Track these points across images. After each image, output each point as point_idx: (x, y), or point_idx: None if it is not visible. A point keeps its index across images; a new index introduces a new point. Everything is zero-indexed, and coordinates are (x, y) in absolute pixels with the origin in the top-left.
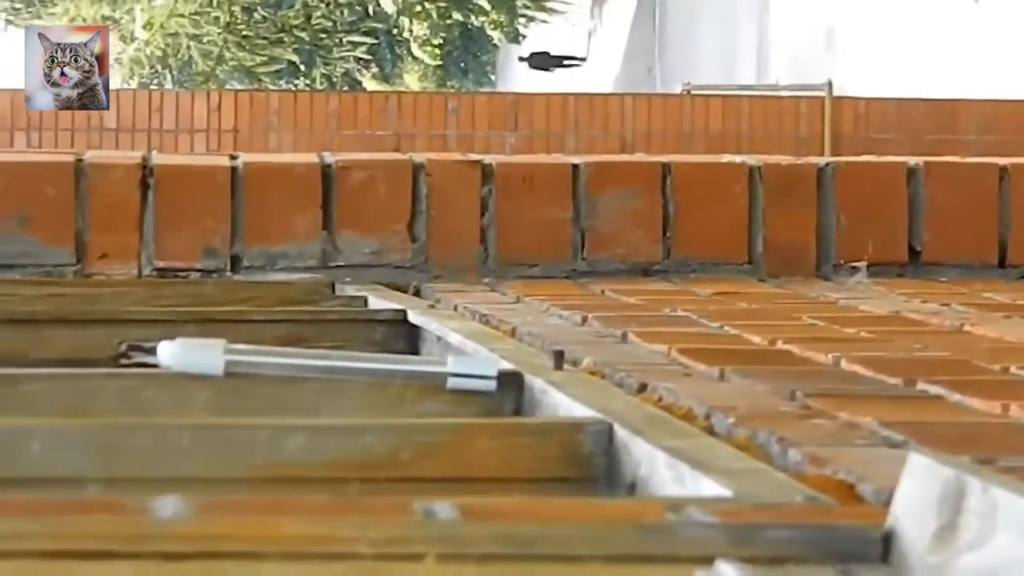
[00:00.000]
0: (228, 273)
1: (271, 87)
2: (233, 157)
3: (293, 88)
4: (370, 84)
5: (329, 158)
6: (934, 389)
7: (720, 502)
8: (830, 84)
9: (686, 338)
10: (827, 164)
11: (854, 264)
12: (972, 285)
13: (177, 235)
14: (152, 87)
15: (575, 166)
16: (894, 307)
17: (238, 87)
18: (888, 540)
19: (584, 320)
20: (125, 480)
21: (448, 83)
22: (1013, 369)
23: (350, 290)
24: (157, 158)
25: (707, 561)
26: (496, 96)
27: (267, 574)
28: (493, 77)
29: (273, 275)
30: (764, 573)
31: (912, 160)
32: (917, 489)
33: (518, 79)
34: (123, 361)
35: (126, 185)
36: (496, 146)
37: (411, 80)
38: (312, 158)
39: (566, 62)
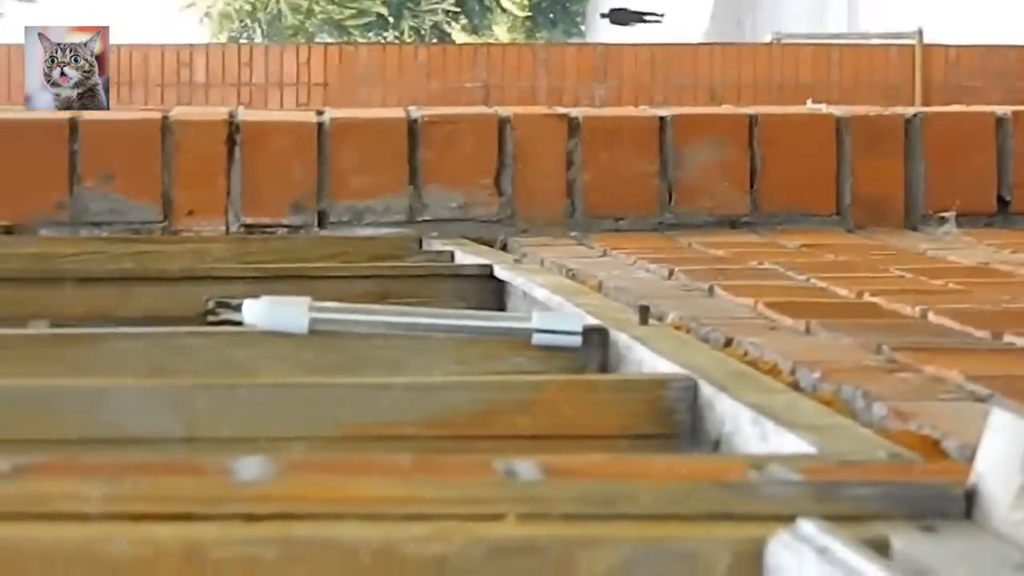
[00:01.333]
0: (315, 229)
1: (360, 40)
2: (319, 112)
3: (382, 41)
4: (459, 36)
5: (415, 112)
6: (1021, 342)
7: (803, 459)
8: (920, 32)
9: (772, 291)
10: (915, 114)
11: (942, 214)
12: None
13: (264, 191)
14: (241, 41)
15: (662, 119)
16: (982, 258)
17: (327, 40)
18: (971, 497)
19: (671, 274)
20: (208, 440)
21: (537, 34)
22: None
23: (437, 245)
24: (243, 114)
25: (789, 519)
26: (585, 48)
27: (347, 535)
28: (583, 28)
29: (360, 230)
30: (846, 530)
31: (1000, 109)
32: (1000, 445)
33: (606, 31)
34: (210, 318)
35: (212, 141)
36: (585, 97)
37: (500, 31)
38: (398, 113)
39: (646, 17)
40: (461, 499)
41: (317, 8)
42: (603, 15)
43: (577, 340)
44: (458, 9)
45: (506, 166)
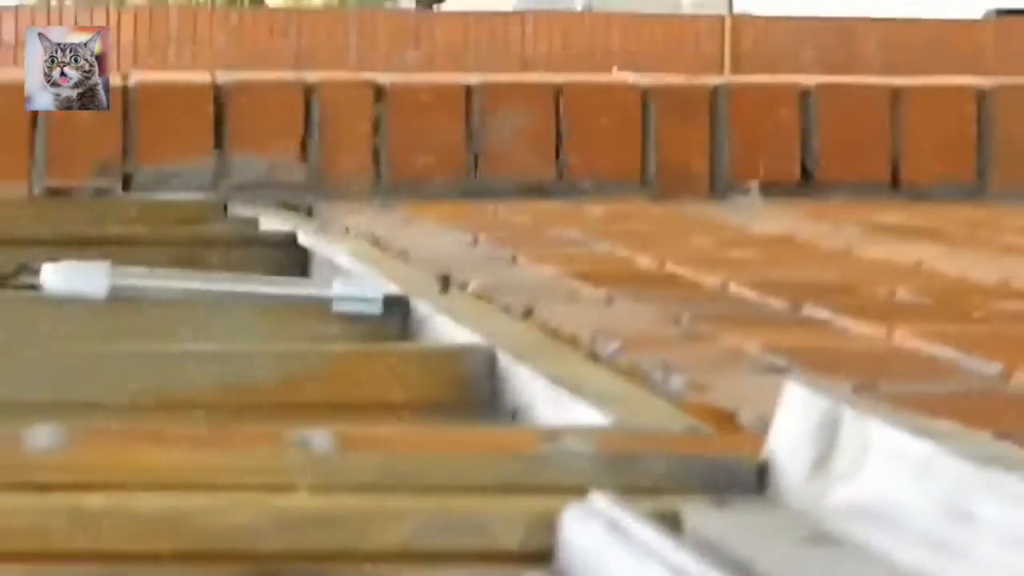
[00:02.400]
0: (120, 193)
1: (170, 3)
2: (125, 76)
3: (193, 3)
4: (272, 1)
5: (222, 77)
6: (820, 313)
7: (597, 431)
8: (730, 2)
9: (575, 260)
10: (720, 84)
11: (747, 184)
12: (863, 206)
13: (68, 154)
14: (51, 3)
15: (468, 86)
16: (785, 229)
17: (137, 2)
18: (764, 471)
19: (475, 241)
20: (2, 404)
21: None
22: (900, 293)
23: (242, 210)
24: None
25: (583, 492)
26: (396, 14)
27: (140, 505)
28: None
29: (166, 195)
30: (638, 503)
31: (805, 79)
32: (793, 419)
33: None
34: (10, 282)
35: (16, 104)
36: (397, 64)
37: None
38: (205, 77)
39: None
40: (253, 469)
41: None
42: None
43: (377, 308)
44: None
45: (313, 132)
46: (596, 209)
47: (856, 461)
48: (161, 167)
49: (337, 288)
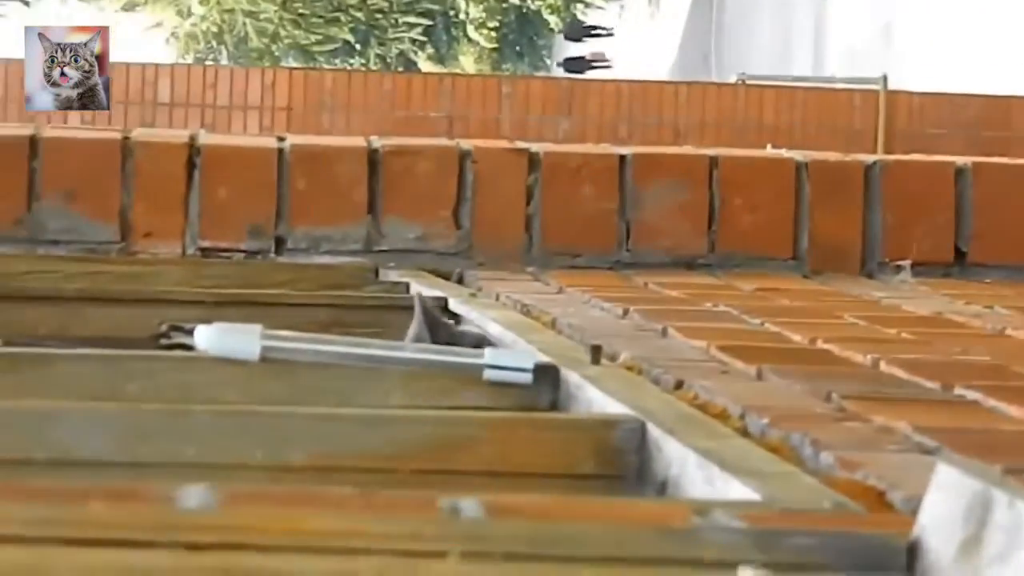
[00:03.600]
0: (272, 255)
1: (326, 66)
2: (280, 139)
3: (348, 68)
4: (425, 65)
5: (376, 142)
6: (971, 394)
7: (747, 506)
8: (885, 78)
9: (726, 334)
10: (874, 162)
11: (899, 263)
12: (1017, 287)
13: (222, 215)
14: (207, 63)
15: (622, 157)
16: (937, 308)
17: (293, 65)
18: (913, 551)
19: (625, 313)
20: (152, 465)
21: (503, 66)
22: None
23: (393, 275)
24: (204, 138)
25: (731, 566)
26: (550, 81)
27: (289, 567)
28: (549, 61)
29: (317, 258)
30: None
31: (960, 160)
32: (944, 500)
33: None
34: (162, 342)
35: (173, 164)
36: (549, 131)
37: (466, 62)
38: (359, 142)
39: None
40: (404, 535)
41: (283, 32)
42: (559, 64)
43: (528, 377)
44: (424, 38)
45: (465, 199)
46: (747, 284)
47: (1008, 545)
48: (313, 231)
49: (488, 356)
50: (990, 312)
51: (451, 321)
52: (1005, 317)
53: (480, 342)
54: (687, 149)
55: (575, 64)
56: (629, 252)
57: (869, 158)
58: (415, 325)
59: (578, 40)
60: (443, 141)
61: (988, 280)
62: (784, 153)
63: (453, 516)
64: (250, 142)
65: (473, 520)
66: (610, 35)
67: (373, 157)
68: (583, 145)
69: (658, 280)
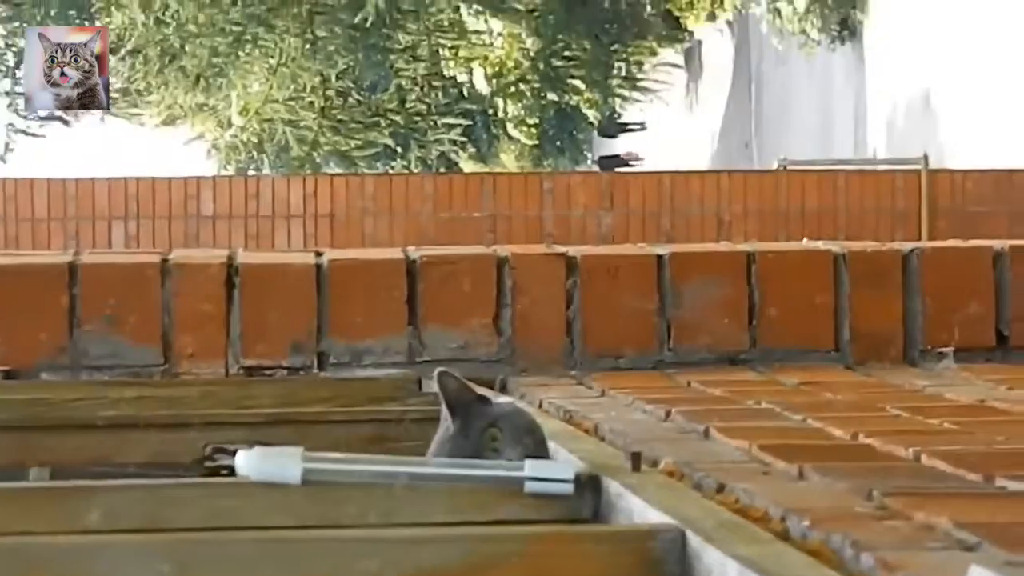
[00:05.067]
0: (315, 370)
1: (367, 171)
2: (318, 254)
3: (389, 171)
4: (467, 165)
5: (413, 253)
6: (1013, 485)
7: None
8: (926, 157)
9: (768, 433)
10: (912, 249)
11: (941, 350)
12: None
13: (263, 333)
14: (249, 173)
15: (659, 256)
16: (980, 395)
17: (334, 171)
18: None
19: (667, 415)
20: None
21: (545, 162)
22: None
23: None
24: (242, 256)
25: None
26: (591, 175)
27: None
28: (589, 155)
29: (360, 371)
30: None
31: (998, 244)
32: None
33: (616, 151)
34: (207, 464)
35: (212, 284)
36: (592, 226)
37: (507, 159)
38: (396, 253)
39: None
40: None
41: (323, 139)
42: (593, 162)
43: (569, 488)
44: (465, 138)
45: (505, 305)
46: (790, 378)
47: None
48: (354, 344)
49: (529, 468)
50: None
51: (476, 397)
52: None
53: (508, 416)
54: (724, 246)
55: (610, 162)
56: (671, 351)
57: (907, 246)
58: (443, 406)
59: (613, 137)
60: (480, 249)
61: None
62: (821, 245)
63: None
64: (288, 259)
65: None
66: (643, 129)
67: (411, 268)
68: (620, 246)
69: (701, 378)
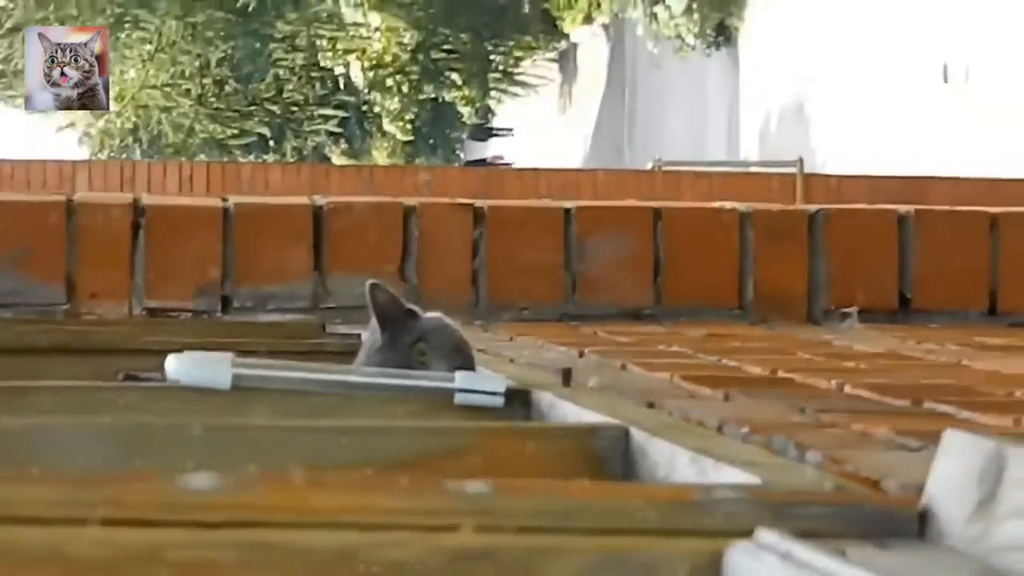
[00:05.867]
0: (219, 314)
1: (242, 160)
2: (224, 199)
3: (263, 161)
4: (339, 160)
5: (320, 200)
6: (943, 408)
7: (751, 487)
8: (801, 161)
9: (686, 368)
10: (818, 211)
11: (844, 310)
12: (963, 330)
13: (168, 275)
14: (123, 158)
15: (567, 210)
16: (889, 347)
17: (209, 159)
18: (923, 518)
19: (581, 354)
20: None
21: (417, 160)
22: (1018, 393)
23: (342, 330)
24: (148, 199)
25: (746, 534)
26: (469, 171)
27: (303, 541)
28: (462, 155)
29: (264, 316)
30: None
31: (903, 208)
32: (955, 465)
33: (485, 155)
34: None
35: (117, 225)
36: None
37: (379, 156)
38: (303, 200)
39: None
40: (416, 511)
41: (199, 127)
42: (460, 166)
43: (500, 400)
44: (341, 131)
45: (411, 254)
46: (696, 331)
47: None
48: (260, 289)
49: (459, 380)
50: (942, 348)
51: (405, 311)
52: (958, 351)
53: (436, 331)
54: (630, 202)
55: (476, 166)
56: (575, 304)
57: (812, 207)
58: (372, 318)
59: (483, 140)
60: (387, 198)
61: (933, 325)
62: (727, 204)
63: (463, 493)
64: (194, 202)
65: (484, 495)
66: (512, 134)
67: (318, 214)
68: (528, 200)
69: (607, 329)
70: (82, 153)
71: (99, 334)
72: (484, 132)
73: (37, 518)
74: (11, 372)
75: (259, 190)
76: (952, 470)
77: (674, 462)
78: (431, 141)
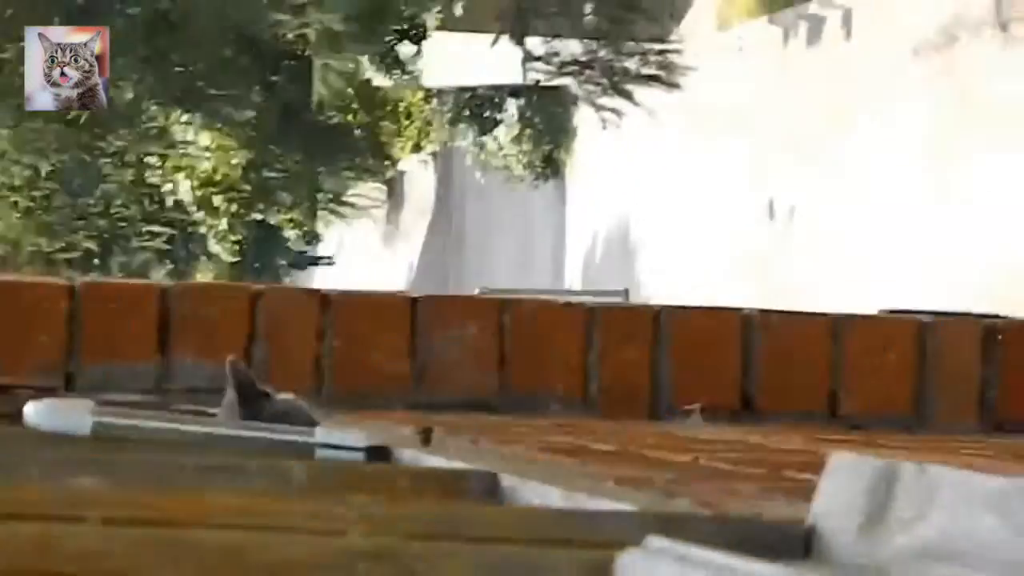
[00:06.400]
0: (63, 392)
1: (69, 274)
2: (70, 279)
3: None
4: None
5: (167, 283)
6: (804, 476)
7: (636, 512)
8: (627, 291)
9: (539, 444)
10: (662, 309)
11: (687, 407)
12: (804, 431)
13: (10, 351)
14: None
15: (414, 299)
16: (736, 437)
17: (35, 274)
18: (810, 535)
19: (427, 432)
20: None
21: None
22: None
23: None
24: None
25: (632, 546)
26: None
27: (199, 538)
28: (288, 279)
29: (108, 396)
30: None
31: (747, 309)
32: (840, 485)
33: (311, 281)
34: None
35: None
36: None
37: (204, 279)
38: (152, 283)
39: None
40: (307, 514)
41: (26, 240)
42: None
43: (360, 456)
44: (169, 247)
45: (257, 340)
46: (542, 421)
47: (920, 509)
48: (103, 367)
49: (320, 435)
50: (788, 440)
51: (261, 392)
52: (803, 442)
53: (290, 413)
54: (477, 295)
55: (299, 260)
56: (422, 393)
57: (656, 305)
58: (228, 392)
59: (302, 269)
60: (233, 284)
61: (775, 424)
62: (573, 299)
63: (350, 504)
64: (38, 279)
65: (373, 503)
66: (332, 264)
67: (164, 295)
68: (377, 290)
69: (455, 418)
70: None
71: None
72: (304, 261)
73: None
74: None
75: None
76: (839, 488)
77: (547, 500)
78: (256, 266)
